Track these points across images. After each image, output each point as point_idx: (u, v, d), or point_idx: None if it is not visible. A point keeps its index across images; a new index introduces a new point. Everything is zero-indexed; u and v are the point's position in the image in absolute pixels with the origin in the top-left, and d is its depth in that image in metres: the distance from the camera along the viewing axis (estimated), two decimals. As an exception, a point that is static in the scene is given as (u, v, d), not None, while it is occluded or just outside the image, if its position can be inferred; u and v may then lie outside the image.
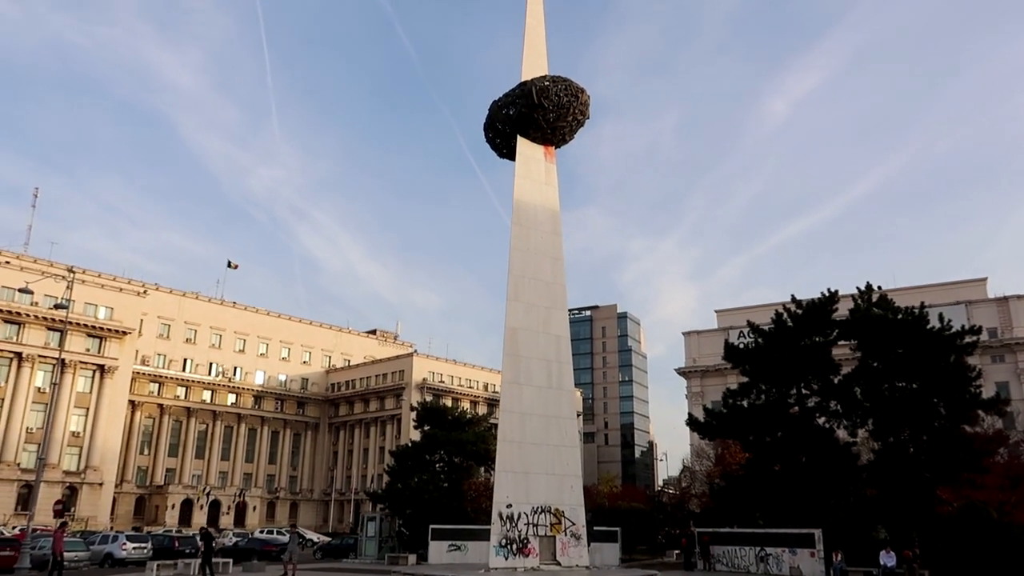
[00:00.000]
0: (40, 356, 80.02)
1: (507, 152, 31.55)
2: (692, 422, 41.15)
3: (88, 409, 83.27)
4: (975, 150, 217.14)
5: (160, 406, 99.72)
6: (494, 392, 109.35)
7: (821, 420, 36.92)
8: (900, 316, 35.95)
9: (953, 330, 35.09)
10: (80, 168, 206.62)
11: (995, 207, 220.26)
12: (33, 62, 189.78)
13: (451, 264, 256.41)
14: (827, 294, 38.21)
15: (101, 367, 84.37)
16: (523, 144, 30.52)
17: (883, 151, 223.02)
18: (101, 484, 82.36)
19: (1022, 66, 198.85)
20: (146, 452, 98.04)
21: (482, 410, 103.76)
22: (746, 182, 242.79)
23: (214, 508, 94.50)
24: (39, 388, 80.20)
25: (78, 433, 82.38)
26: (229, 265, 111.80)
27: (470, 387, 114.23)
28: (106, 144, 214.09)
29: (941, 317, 35.73)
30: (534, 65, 31.47)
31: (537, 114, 29.88)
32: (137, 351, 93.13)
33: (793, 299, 39.55)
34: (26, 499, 71.22)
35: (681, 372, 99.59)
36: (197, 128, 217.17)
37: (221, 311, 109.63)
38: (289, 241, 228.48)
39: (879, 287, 39.51)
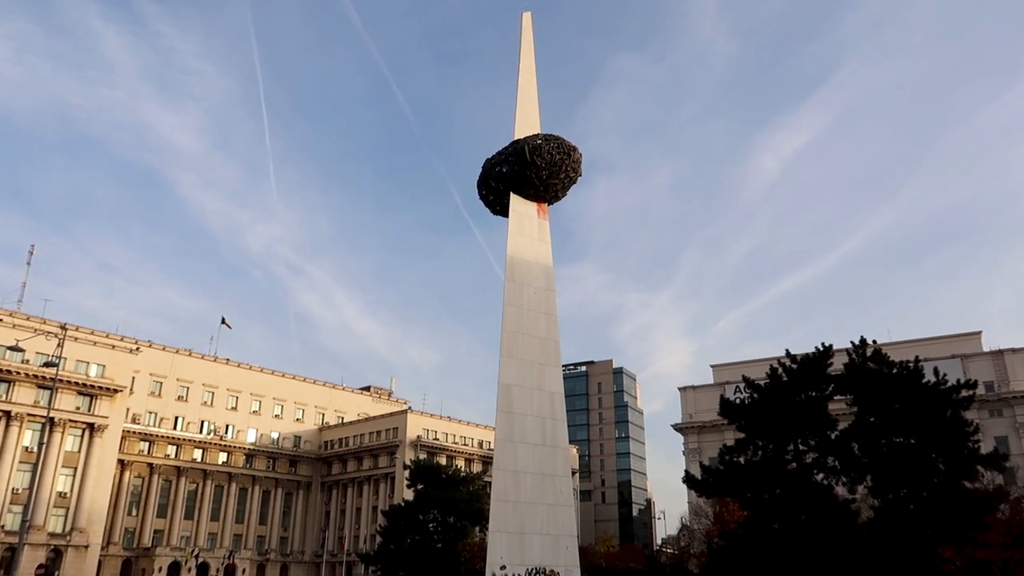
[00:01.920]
0: (29, 415, 78.94)
1: (501, 209, 31.75)
2: (689, 479, 40.54)
3: (76, 469, 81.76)
4: (964, 204, 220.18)
5: (150, 465, 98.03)
6: (489, 449, 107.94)
7: (819, 477, 36.40)
8: (895, 371, 35.82)
9: (949, 384, 34.93)
10: (77, 226, 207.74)
11: (986, 261, 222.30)
12: (34, 122, 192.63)
13: (446, 320, 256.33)
14: (821, 348, 38.07)
15: (91, 426, 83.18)
16: (516, 201, 30.73)
17: (874, 206, 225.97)
18: (87, 547, 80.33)
19: (1009, 121, 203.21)
20: (134, 513, 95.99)
21: (477, 468, 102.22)
22: (739, 238, 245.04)
23: (202, 571, 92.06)
24: (27, 447, 78.87)
25: (65, 494, 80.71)
26: (223, 322, 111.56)
27: (464, 444, 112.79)
28: (104, 202, 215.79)
29: (936, 371, 35.60)
30: (527, 123, 31.92)
31: (530, 172, 30.15)
32: (128, 409, 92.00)
33: (788, 354, 39.39)
34: (9, 562, 69.32)
35: (678, 428, 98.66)
36: (196, 187, 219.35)
37: (214, 368, 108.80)
38: (285, 298, 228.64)
39: (873, 341, 39.44)
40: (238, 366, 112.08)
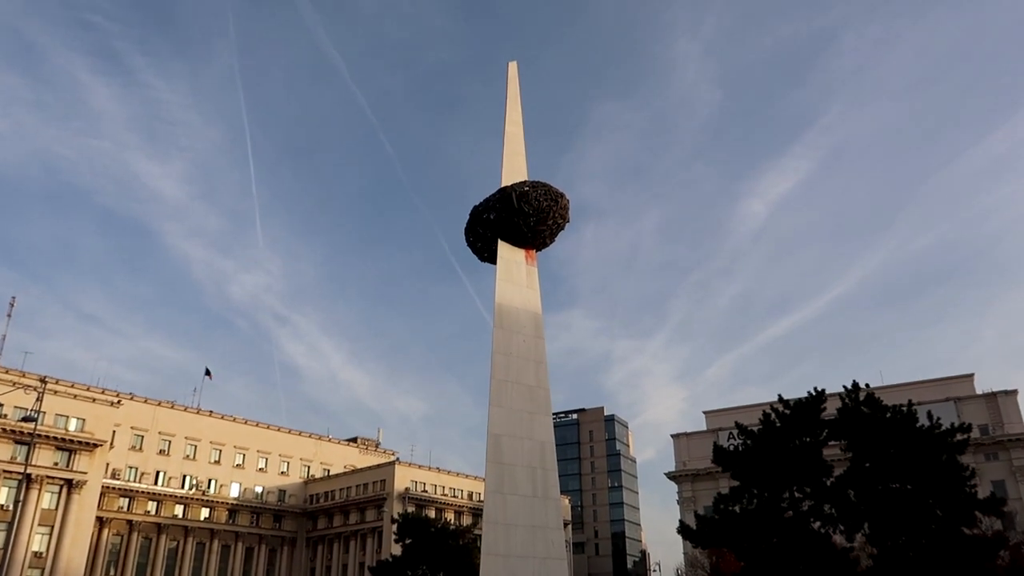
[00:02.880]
0: (5, 471, 77.22)
1: (488, 256, 31.78)
2: (684, 529, 39.98)
3: (53, 527, 79.68)
4: (951, 246, 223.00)
5: (129, 523, 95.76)
6: (479, 501, 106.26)
7: (816, 525, 35.98)
8: (889, 415, 35.74)
9: (943, 428, 34.86)
10: (60, 277, 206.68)
11: (976, 302, 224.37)
12: (17, 173, 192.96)
13: (434, 368, 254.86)
14: (814, 393, 37.99)
15: (69, 482, 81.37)
16: (504, 248, 30.76)
17: (862, 248, 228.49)
18: (62, 609, 77.85)
19: (993, 163, 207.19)
20: (112, 572, 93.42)
21: (467, 520, 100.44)
22: (729, 282, 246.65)
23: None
24: (2, 505, 76.99)
25: (41, 553, 78.49)
26: (207, 373, 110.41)
27: (454, 496, 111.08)
28: (88, 253, 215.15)
29: (930, 415, 35.58)
30: (514, 170, 32.17)
31: (517, 219, 30.25)
32: (108, 464, 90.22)
33: (780, 399, 39.26)
34: (-20, 628, 66.95)
35: (671, 476, 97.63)
36: (180, 236, 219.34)
37: (197, 420, 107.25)
38: (270, 348, 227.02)
39: (866, 385, 39.43)
40: (222, 418, 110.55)
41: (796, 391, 38.41)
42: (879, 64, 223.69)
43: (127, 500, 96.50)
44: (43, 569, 78.12)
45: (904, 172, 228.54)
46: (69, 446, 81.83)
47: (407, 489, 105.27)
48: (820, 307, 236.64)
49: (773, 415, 38.62)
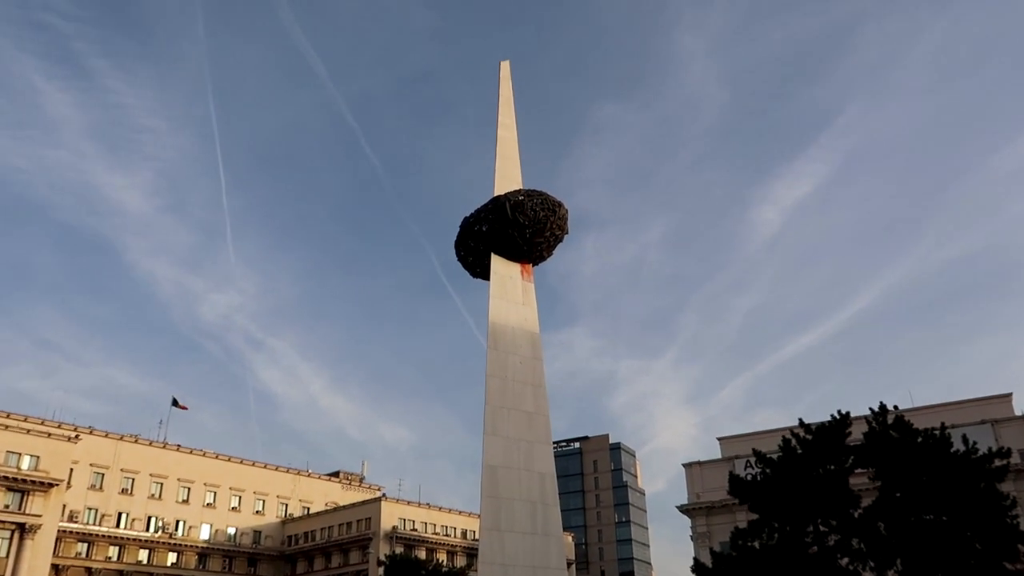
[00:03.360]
0: (-49, 515, 76.62)
1: (481, 271, 31.89)
2: (698, 568, 39.85)
3: (4, 576, 79.02)
4: (982, 255, 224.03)
5: (89, 570, 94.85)
6: (473, 540, 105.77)
7: (844, 561, 35.91)
8: (920, 439, 35.77)
9: (980, 453, 34.87)
10: (12, 299, 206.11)
11: (1013, 315, 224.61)
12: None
13: (423, 394, 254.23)
14: (838, 417, 38.06)
15: (22, 526, 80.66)
16: (497, 262, 30.86)
17: (885, 259, 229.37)
18: (14, 667, 77.00)
19: None
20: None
21: (460, 562, 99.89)
22: (741, 296, 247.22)
23: None
24: (-53, 553, 76.34)
25: (-10, 606, 77.80)
26: (174, 403, 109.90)
27: (446, 535, 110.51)
28: (43, 272, 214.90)
29: (965, 439, 35.59)
30: (507, 178, 32.33)
31: (512, 230, 30.37)
32: (64, 506, 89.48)
33: (801, 423, 39.32)
34: None
35: (684, 509, 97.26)
36: (145, 253, 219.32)
37: (163, 456, 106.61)
38: (243, 374, 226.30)
39: (895, 407, 39.51)
40: (190, 453, 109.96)
41: (818, 414, 38.50)
42: (900, 60, 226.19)
43: (86, 545, 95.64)
44: (-7, 623, 77.41)
45: (930, 176, 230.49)
46: (21, 486, 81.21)
47: (395, 528, 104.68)
48: (841, 323, 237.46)
49: (793, 441, 38.60)
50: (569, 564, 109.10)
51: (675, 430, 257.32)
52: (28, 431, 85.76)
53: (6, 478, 79.94)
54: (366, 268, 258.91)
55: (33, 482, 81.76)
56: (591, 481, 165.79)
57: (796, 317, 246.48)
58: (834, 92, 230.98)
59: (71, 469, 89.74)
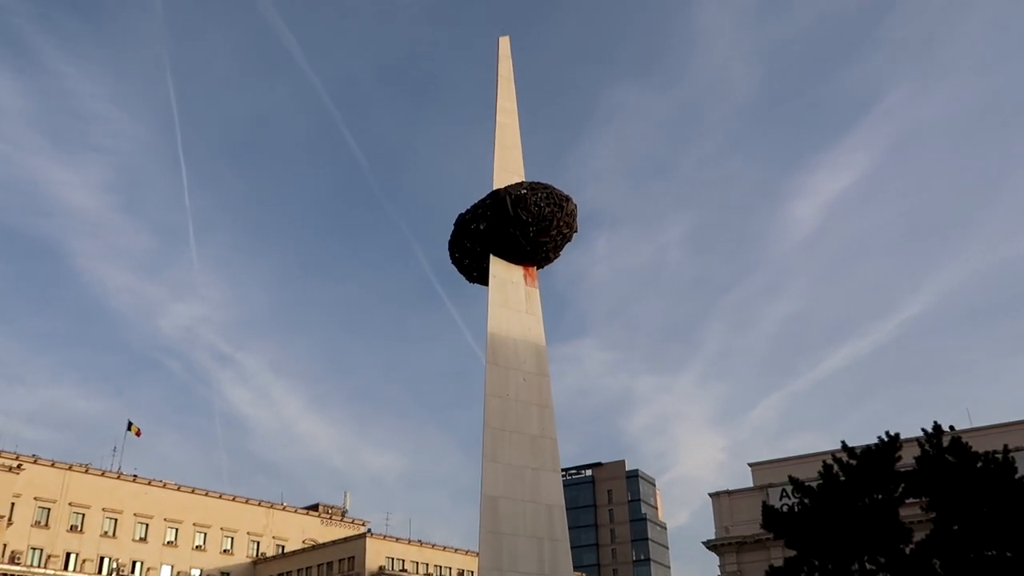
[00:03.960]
0: None
1: (478, 275, 31.86)
2: (729, 613, 39.80)
3: (-64, 626, 79.00)
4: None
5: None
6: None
7: (894, 604, 35.86)
8: (980, 464, 35.71)
9: (1048, 479, 34.82)
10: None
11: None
12: None
13: (413, 416, 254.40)
14: (886, 439, 38.05)
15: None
16: (497, 265, 30.82)
17: (939, 259, 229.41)
18: None
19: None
20: None
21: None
22: (775, 303, 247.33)
23: None
24: None
25: (-79, 659, 77.78)
26: (130, 428, 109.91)
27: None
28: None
29: (1031, 463, 35.53)
30: (508, 169, 32.33)
31: (513, 229, 30.33)
32: (5, 545, 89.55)
33: (844, 447, 39.30)
34: None
35: (711, 545, 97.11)
36: (97, 257, 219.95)
37: (118, 488, 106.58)
38: (209, 395, 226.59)
39: (951, 427, 39.50)
40: (149, 484, 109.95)
41: (863, 437, 38.55)
42: (954, 31, 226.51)
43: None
44: None
45: (985, 165, 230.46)
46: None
47: (382, 568, 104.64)
48: (888, 332, 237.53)
49: (836, 467, 38.53)
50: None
51: (700, 455, 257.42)
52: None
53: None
54: (348, 273, 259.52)
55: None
56: (605, 514, 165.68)
57: (837, 326, 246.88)
58: (877, 72, 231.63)
59: (12, 503, 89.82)
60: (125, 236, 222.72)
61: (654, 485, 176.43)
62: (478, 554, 26.87)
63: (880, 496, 36.88)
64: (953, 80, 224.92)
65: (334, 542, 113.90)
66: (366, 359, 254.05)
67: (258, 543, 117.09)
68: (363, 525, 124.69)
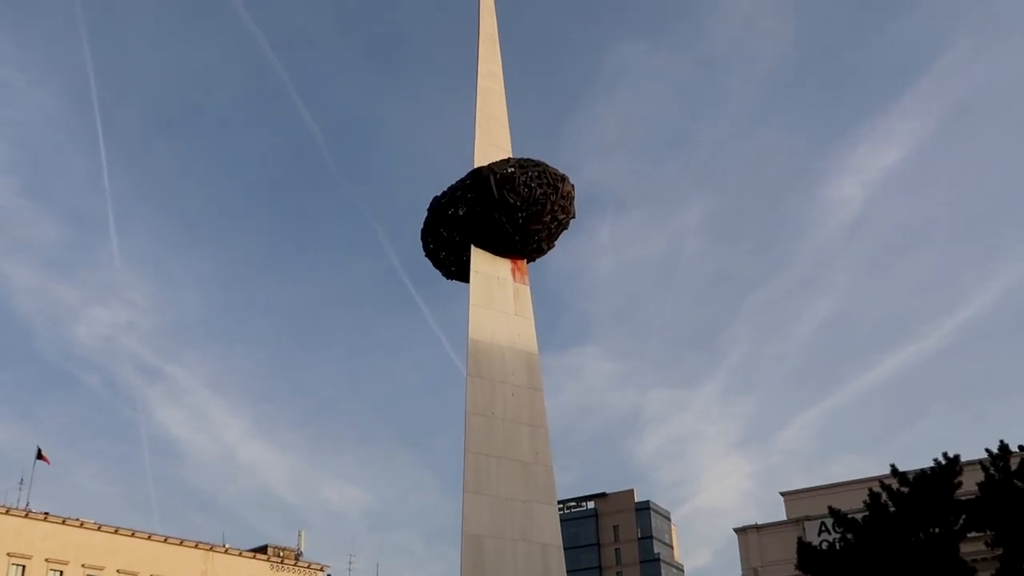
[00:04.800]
0: None
1: (458, 269, 31.92)
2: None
3: None
4: None
5: None
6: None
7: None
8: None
9: None
10: None
11: None
12: None
13: (381, 441, 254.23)
14: (944, 462, 38.24)
15: None
16: (480, 257, 30.89)
17: (1005, 248, 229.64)
18: None
19: None
20: None
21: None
22: (811, 302, 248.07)
23: None
24: None
25: None
26: (39, 456, 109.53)
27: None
28: None
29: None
30: (492, 144, 32.39)
31: (499, 214, 30.36)
32: None
33: (894, 472, 39.51)
34: None
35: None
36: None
37: (25, 528, 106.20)
38: (134, 416, 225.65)
39: (1020, 447, 39.69)
40: (63, 523, 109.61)
41: (916, 459, 38.80)
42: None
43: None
44: None
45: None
46: None
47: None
48: (946, 336, 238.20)
49: (884, 496, 38.70)
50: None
51: (724, 484, 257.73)
52: None
53: None
54: (301, 270, 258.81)
55: None
56: (611, 554, 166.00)
57: (885, 330, 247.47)
58: (934, 23, 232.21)
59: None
60: (30, 226, 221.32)
61: (669, 519, 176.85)
62: (459, 604, 26.92)
63: (937, 529, 37.05)
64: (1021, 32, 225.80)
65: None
66: (323, 372, 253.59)
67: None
68: (321, 570, 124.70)
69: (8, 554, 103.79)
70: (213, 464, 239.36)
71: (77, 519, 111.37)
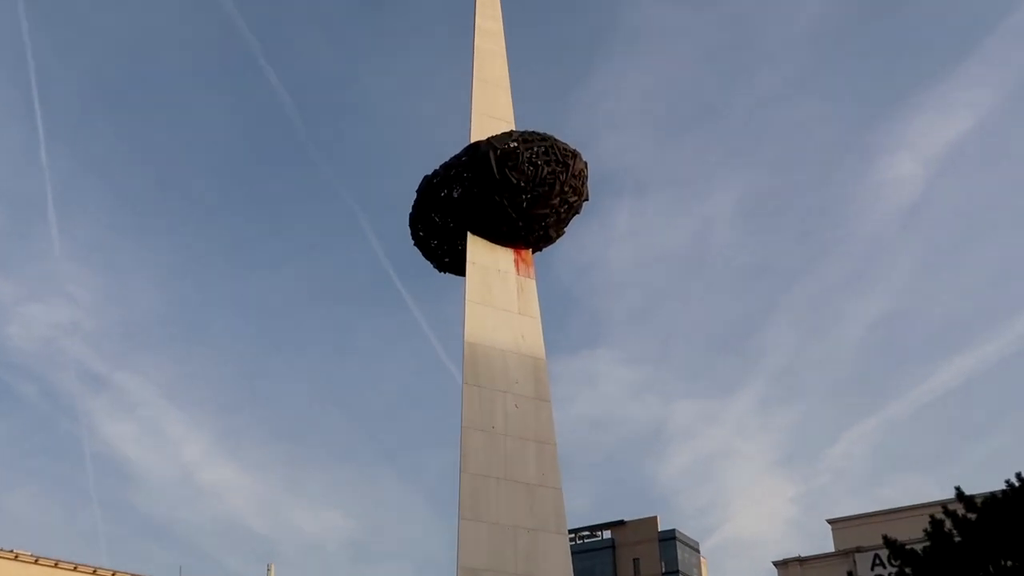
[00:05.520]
0: None
1: (452, 261, 32.00)
2: None
3: None
4: None
5: None
6: None
7: None
8: None
9: None
10: None
11: None
12: None
13: (363, 460, 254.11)
14: (1016, 483, 38.24)
15: None
16: (477, 246, 30.90)
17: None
18: None
19: None
20: None
21: None
22: (862, 298, 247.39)
23: None
24: None
25: None
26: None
27: None
28: None
29: None
30: (491, 115, 32.42)
31: (500, 196, 30.32)
32: None
33: (960, 495, 39.51)
34: None
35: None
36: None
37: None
38: (77, 430, 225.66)
39: (1106, 467, 39.70)
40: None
41: (985, 481, 38.83)
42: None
43: None
44: None
45: None
46: None
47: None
48: (1019, 339, 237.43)
49: (948, 523, 38.65)
50: None
51: (761, 510, 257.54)
52: None
53: None
54: (270, 261, 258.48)
55: None
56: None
57: (948, 330, 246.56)
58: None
59: None
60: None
61: (698, 551, 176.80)
62: (455, 650, 26.93)
63: (1010, 562, 37.04)
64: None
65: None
66: (296, 381, 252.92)
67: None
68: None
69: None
70: (169, 487, 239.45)
71: (11, 551, 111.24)
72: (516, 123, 32.50)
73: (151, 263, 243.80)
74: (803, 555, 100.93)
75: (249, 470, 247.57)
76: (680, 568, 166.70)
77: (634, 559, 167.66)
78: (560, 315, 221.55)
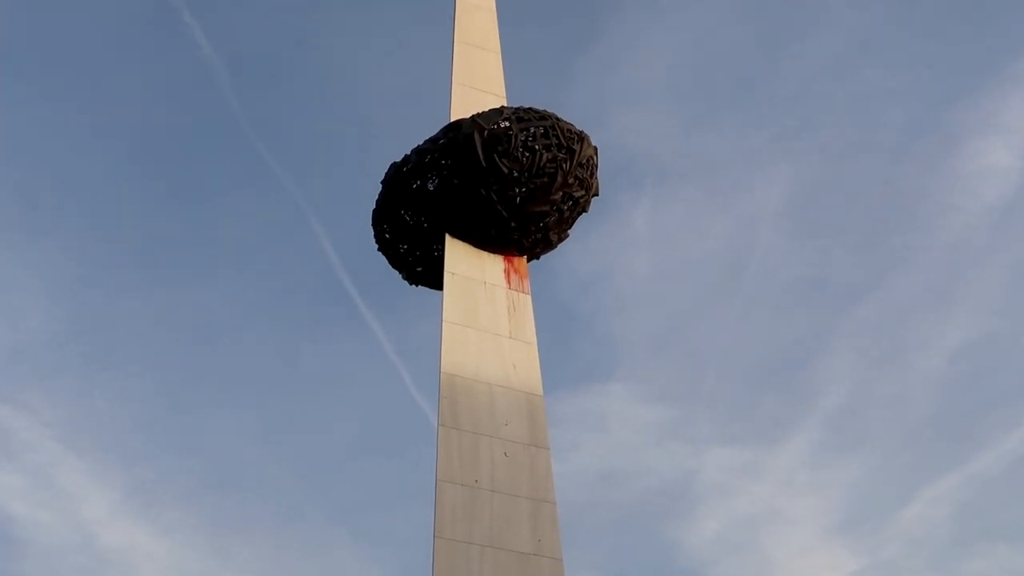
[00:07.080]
0: None
1: (426, 270, 31.91)
2: None
3: None
4: None
5: None
6: None
7: None
8: None
9: None
10: None
11: None
12: None
13: (312, 522, 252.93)
14: None
15: None
16: (458, 252, 30.77)
17: None
18: None
19: None
20: None
21: None
22: (943, 322, 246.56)
23: None
24: None
25: None
26: None
27: None
28: None
29: None
30: (476, 87, 32.49)
31: (487, 188, 30.20)
32: None
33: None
34: None
35: None
36: None
37: None
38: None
39: None
40: None
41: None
42: None
43: None
44: None
45: None
46: None
47: None
48: None
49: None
50: None
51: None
52: None
53: None
54: (195, 269, 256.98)
55: None
56: None
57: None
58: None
59: None
60: None
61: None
62: None
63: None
64: None
65: None
66: (227, 420, 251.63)
67: None
68: None
69: None
70: (65, 553, 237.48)
71: None
72: (508, 97, 32.47)
73: (43, 270, 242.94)
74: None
75: (167, 533, 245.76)
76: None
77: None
78: (562, 340, 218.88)
